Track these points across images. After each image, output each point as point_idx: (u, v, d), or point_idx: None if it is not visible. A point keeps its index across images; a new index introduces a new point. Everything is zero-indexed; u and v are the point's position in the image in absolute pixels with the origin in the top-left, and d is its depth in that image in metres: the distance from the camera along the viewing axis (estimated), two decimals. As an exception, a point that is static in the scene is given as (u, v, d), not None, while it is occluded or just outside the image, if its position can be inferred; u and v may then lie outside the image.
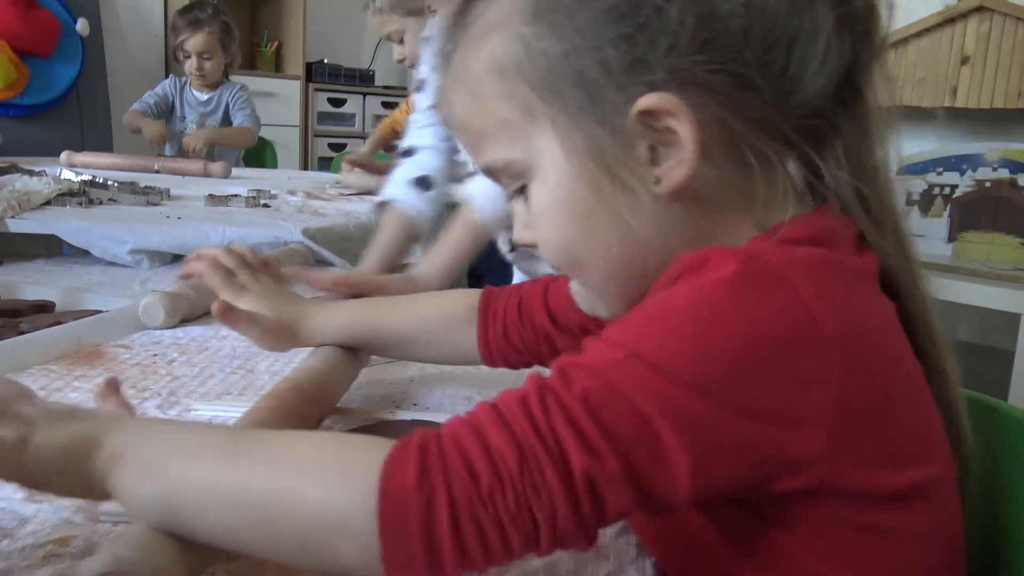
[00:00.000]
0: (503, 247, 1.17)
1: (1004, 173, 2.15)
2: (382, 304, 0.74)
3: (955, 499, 0.44)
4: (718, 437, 0.36)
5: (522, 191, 0.47)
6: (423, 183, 1.21)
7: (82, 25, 3.08)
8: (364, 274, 1.07)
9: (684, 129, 0.41)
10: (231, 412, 0.66)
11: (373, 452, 0.37)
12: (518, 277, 1.35)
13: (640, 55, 0.41)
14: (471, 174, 1.13)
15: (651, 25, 0.40)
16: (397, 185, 1.22)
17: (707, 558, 0.44)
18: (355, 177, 2.13)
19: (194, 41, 2.69)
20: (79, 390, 0.69)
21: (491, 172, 0.48)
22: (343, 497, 0.36)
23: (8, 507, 0.48)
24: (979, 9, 2.13)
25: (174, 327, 0.89)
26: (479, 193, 1.07)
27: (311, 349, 0.70)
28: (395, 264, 1.20)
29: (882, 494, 0.40)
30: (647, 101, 0.41)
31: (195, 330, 0.89)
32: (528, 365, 0.66)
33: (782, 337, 0.37)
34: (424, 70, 1.30)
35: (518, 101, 0.44)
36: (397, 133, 2.32)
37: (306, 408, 0.58)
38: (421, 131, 1.27)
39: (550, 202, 0.45)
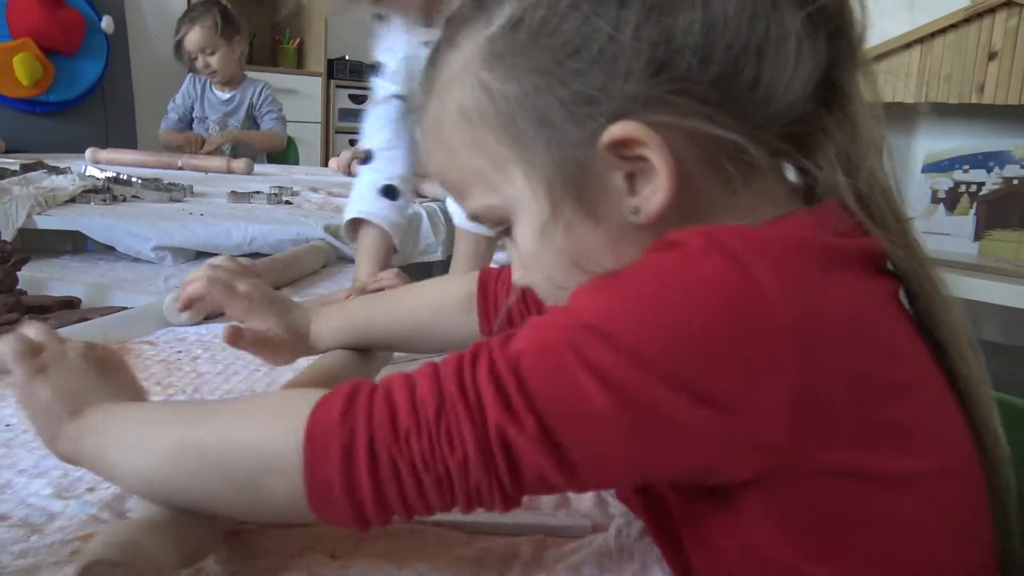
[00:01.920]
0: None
1: (1032, 170, 2.12)
2: (380, 302, 0.74)
3: (960, 494, 0.42)
4: (653, 410, 0.35)
5: (508, 233, 0.46)
6: (389, 192, 1.15)
7: (107, 23, 3.11)
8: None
9: (655, 155, 0.40)
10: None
11: (310, 395, 0.39)
12: None
13: (598, 87, 0.40)
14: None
15: (605, 55, 0.39)
16: (365, 199, 1.16)
17: (678, 539, 0.43)
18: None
19: (190, 38, 2.64)
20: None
21: (476, 218, 0.48)
22: (275, 434, 0.39)
23: (37, 503, 0.49)
24: (1007, 4, 2.10)
25: (198, 324, 0.90)
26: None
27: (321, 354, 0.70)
28: None
29: (855, 472, 0.38)
30: (612, 132, 0.40)
31: (219, 327, 0.89)
32: None
33: (730, 319, 0.35)
34: (381, 52, 1.20)
35: (486, 148, 0.43)
36: None
37: None
38: (377, 133, 1.20)
39: (532, 244, 0.44)
